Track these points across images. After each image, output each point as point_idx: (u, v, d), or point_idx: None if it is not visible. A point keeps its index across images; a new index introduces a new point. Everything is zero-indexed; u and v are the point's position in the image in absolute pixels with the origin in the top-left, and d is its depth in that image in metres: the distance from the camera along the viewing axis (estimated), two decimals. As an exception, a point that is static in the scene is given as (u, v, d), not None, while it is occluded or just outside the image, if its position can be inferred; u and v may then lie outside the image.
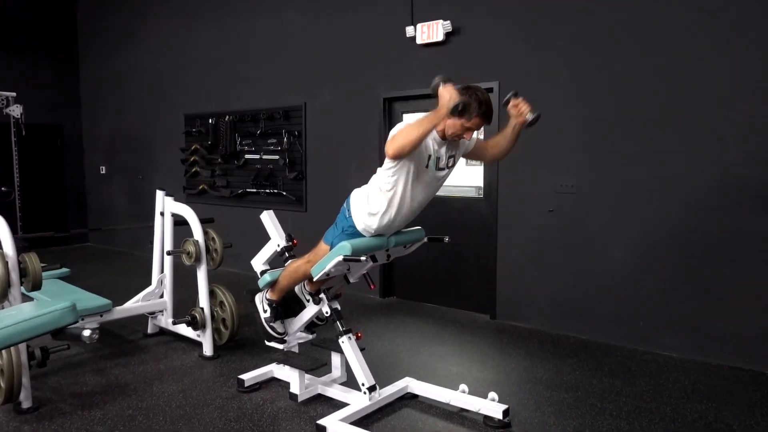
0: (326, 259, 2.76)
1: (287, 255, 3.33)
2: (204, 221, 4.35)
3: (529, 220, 4.55)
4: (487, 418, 2.93)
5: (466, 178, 5.07)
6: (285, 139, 6.12)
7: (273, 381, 3.43)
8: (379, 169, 2.70)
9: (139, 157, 8.22)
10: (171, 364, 3.76)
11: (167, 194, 4.17)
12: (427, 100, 5.11)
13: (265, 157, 6.39)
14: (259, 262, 3.44)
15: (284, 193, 6.21)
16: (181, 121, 7.36)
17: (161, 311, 4.22)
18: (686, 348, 3.88)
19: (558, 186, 4.37)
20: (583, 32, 4.21)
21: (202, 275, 3.89)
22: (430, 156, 2.63)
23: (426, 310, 5.12)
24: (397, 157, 2.48)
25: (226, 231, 5.80)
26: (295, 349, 3.39)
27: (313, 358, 3.17)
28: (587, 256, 4.28)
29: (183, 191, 7.34)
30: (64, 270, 5.38)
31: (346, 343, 3.02)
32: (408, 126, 2.45)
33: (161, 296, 4.22)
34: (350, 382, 3.21)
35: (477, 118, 2.54)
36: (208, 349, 3.87)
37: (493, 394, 3.02)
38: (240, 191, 6.66)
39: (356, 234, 2.78)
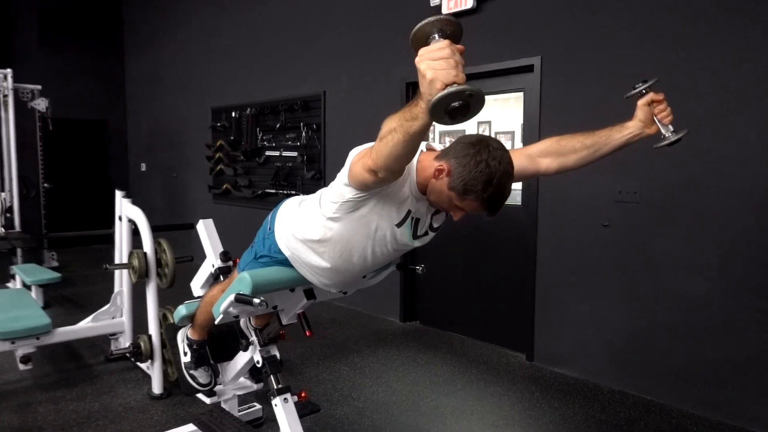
0: (224, 295, 1.93)
1: (222, 279, 2.53)
2: (179, 228, 3.67)
3: (578, 236, 3.48)
4: None
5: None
6: (303, 134, 5.36)
7: (210, 440, 2.64)
8: (332, 185, 1.68)
9: (173, 153, 7.80)
10: (109, 403, 3.08)
11: (125, 196, 3.50)
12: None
13: (284, 153, 5.66)
14: (197, 286, 2.67)
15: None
16: (209, 115, 6.82)
17: (120, 333, 3.57)
18: (799, 430, 2.69)
19: (617, 192, 3.27)
20: (655, -16, 3.09)
21: (151, 295, 3.18)
22: (409, 213, 1.63)
23: (450, 341, 4.15)
24: (377, 180, 1.42)
25: (245, 237, 5.15)
26: (233, 403, 2.58)
27: (239, 425, 2.34)
28: (655, 288, 3.16)
29: (209, 191, 6.80)
30: (53, 276, 4.95)
31: (280, 407, 2.16)
32: (387, 128, 1.29)
33: (120, 315, 3.57)
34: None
35: (475, 200, 1.50)
36: (156, 386, 3.16)
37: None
38: (260, 192, 5.99)
39: (274, 262, 1.92)
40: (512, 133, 4.11)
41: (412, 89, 4.41)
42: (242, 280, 1.81)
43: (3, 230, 5.97)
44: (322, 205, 1.70)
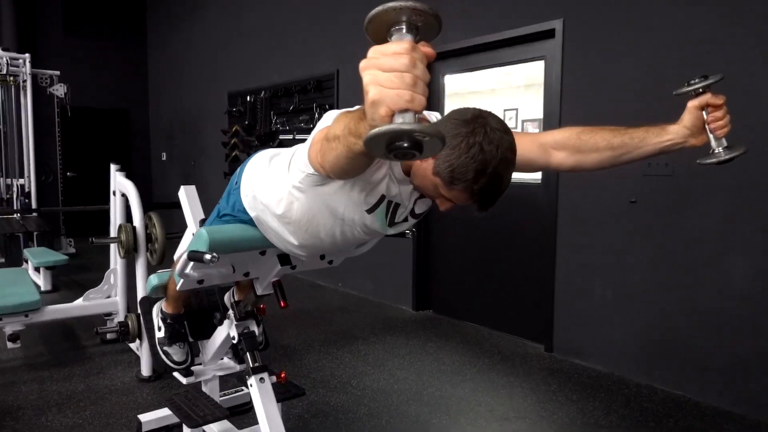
0: (182, 256, 1.71)
1: (203, 249, 2.33)
2: (171, 206, 3.51)
3: (602, 214, 3.18)
4: None
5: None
6: (316, 115, 5.16)
7: (192, 425, 2.44)
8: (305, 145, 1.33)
9: (193, 142, 7.72)
10: (95, 385, 2.92)
11: (119, 169, 3.37)
12: (473, 55, 3.90)
13: (298, 136, 5.47)
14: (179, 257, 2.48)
15: (314, 179, 5.24)
16: (225, 100, 6.69)
17: (115, 313, 3.42)
18: None
19: (645, 165, 2.96)
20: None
21: (140, 272, 3.01)
22: (383, 198, 1.34)
23: (464, 331, 3.88)
24: (330, 178, 1.21)
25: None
26: (214, 384, 2.37)
27: (213, 408, 2.13)
28: (689, 271, 2.83)
29: (224, 177, 6.67)
30: (60, 258, 4.87)
31: (255, 387, 1.95)
32: (337, 131, 0.98)
33: (114, 295, 3.41)
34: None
35: (463, 192, 1.20)
36: (144, 368, 2.99)
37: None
38: (274, 177, 5.81)
39: (237, 221, 1.70)
40: (540, 120, 3.80)
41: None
42: (199, 237, 1.59)
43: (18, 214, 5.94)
44: (290, 169, 1.43)
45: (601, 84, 3.14)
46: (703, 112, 1.27)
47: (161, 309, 2.22)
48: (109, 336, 3.52)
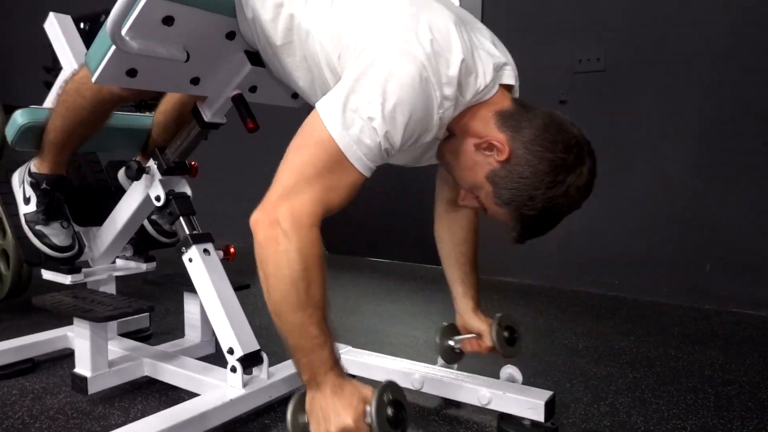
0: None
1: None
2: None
3: (529, 120, 3.02)
4: (508, 422, 1.35)
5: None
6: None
7: (69, 357, 1.71)
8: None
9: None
10: None
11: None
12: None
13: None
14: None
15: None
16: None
17: None
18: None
19: (576, 62, 2.85)
20: None
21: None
22: None
23: (371, 265, 3.51)
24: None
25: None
26: (110, 286, 1.70)
27: (126, 301, 1.48)
28: (621, 170, 2.77)
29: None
30: None
31: (197, 260, 1.36)
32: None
33: None
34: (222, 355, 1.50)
35: (509, 216, 1.06)
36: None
37: (511, 370, 1.45)
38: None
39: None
40: None
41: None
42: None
43: None
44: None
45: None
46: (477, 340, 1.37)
47: (29, 171, 1.50)
48: None
